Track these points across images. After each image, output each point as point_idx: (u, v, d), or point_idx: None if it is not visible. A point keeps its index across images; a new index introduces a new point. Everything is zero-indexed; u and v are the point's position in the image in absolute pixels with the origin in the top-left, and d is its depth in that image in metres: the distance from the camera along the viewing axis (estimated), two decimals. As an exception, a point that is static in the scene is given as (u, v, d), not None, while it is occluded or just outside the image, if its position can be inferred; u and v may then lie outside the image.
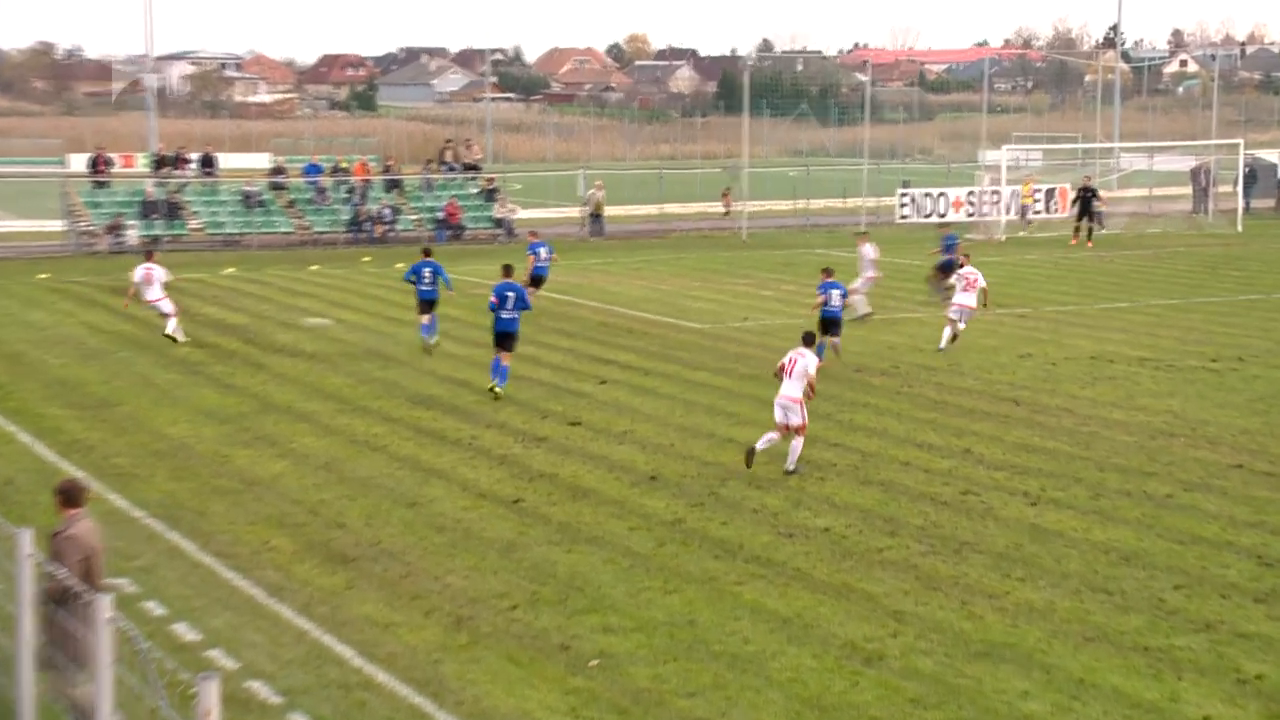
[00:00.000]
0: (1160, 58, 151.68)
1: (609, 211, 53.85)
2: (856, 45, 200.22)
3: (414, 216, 51.74)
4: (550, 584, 14.75)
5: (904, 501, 17.78)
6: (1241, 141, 58.15)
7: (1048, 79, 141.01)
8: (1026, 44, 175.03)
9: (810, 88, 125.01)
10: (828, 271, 26.88)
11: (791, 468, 19.06)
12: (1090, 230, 48.80)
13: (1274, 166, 62.12)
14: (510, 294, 24.35)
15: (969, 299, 28.18)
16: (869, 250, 32.12)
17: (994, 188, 54.74)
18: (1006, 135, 78.89)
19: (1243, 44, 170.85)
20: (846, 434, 21.43)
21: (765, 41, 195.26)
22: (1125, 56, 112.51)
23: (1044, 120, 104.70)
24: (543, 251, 34.17)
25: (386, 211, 50.98)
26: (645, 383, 25.45)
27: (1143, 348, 28.33)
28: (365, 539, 16.32)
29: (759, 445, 19.10)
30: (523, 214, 55.60)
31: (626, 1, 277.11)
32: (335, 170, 53.67)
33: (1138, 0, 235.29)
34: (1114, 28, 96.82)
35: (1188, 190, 60.28)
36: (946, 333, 28.10)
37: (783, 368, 19.35)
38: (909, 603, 14.23)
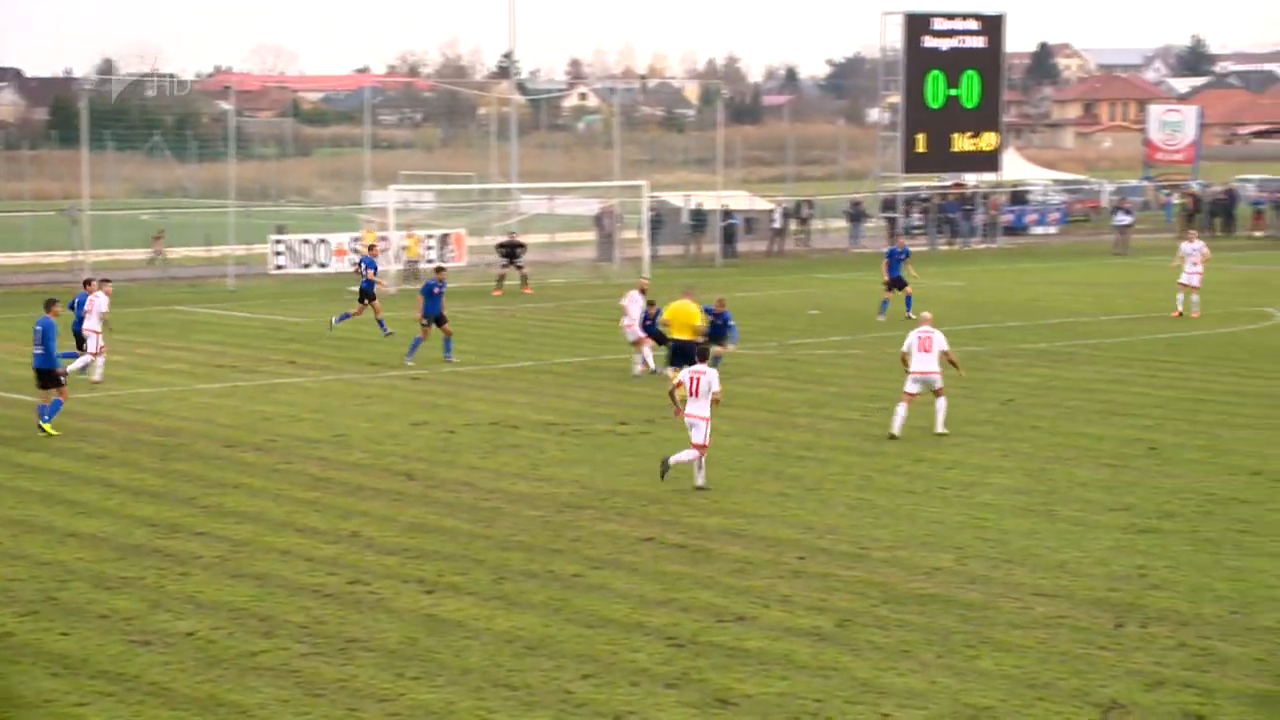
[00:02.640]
0: (559, 90, 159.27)
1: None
2: (218, 69, 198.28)
3: None
4: None
5: (282, 596, 17.71)
6: (646, 183, 61.83)
7: (438, 111, 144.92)
8: (413, 71, 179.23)
9: (164, 117, 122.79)
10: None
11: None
12: (524, 277, 51.24)
13: (680, 210, 66.44)
14: (38, 328, 26.75)
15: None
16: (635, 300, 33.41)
17: (382, 234, 55.60)
18: (394, 174, 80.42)
19: (644, 77, 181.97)
20: (214, 520, 21.14)
21: (106, 62, 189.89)
22: (521, 88, 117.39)
23: (435, 157, 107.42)
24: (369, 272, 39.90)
25: None
26: (-36, 470, 24.14)
27: (548, 411, 29.52)
28: None
29: (674, 460, 22.87)
30: None
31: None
32: None
33: (531, 26, 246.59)
34: (508, 55, 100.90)
35: (592, 236, 63.46)
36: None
37: (680, 384, 23.01)
38: (287, 713, 14.17)
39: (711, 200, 66.60)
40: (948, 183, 74.52)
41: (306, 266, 57.02)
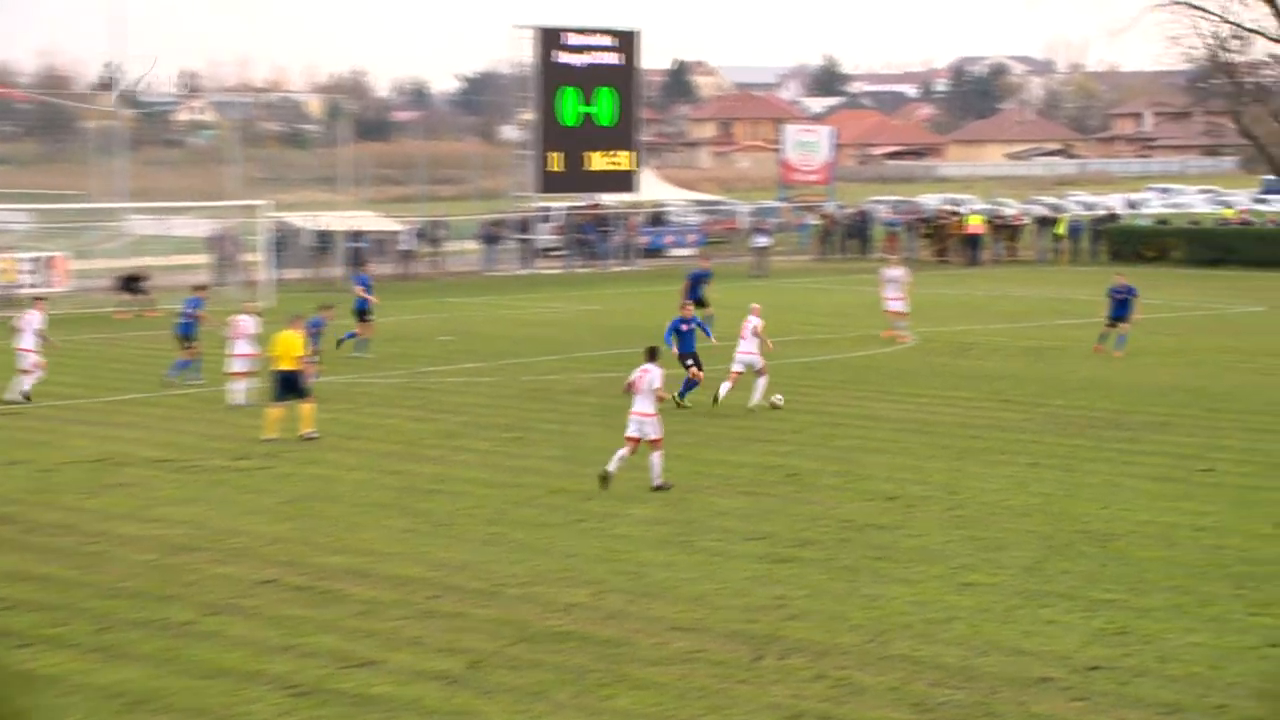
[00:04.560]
0: (171, 103, 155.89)
1: None
2: None
3: None
4: None
5: None
6: (266, 202, 60.92)
7: (35, 125, 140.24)
8: (5, 81, 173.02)
9: None
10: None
11: (660, 482, 24.62)
12: (151, 303, 51.08)
13: (303, 231, 65.63)
14: None
15: None
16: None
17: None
18: (-11, 192, 77.44)
19: (262, 90, 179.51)
20: None
21: None
22: (128, 100, 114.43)
23: (32, 174, 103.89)
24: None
25: None
26: None
27: (160, 446, 28.76)
28: None
29: (611, 467, 24.59)
30: None
31: None
32: None
33: (139, 34, 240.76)
34: (111, 65, 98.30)
35: (209, 259, 62.14)
36: None
37: (632, 384, 24.75)
38: None
39: (337, 221, 65.98)
40: (584, 203, 75.40)
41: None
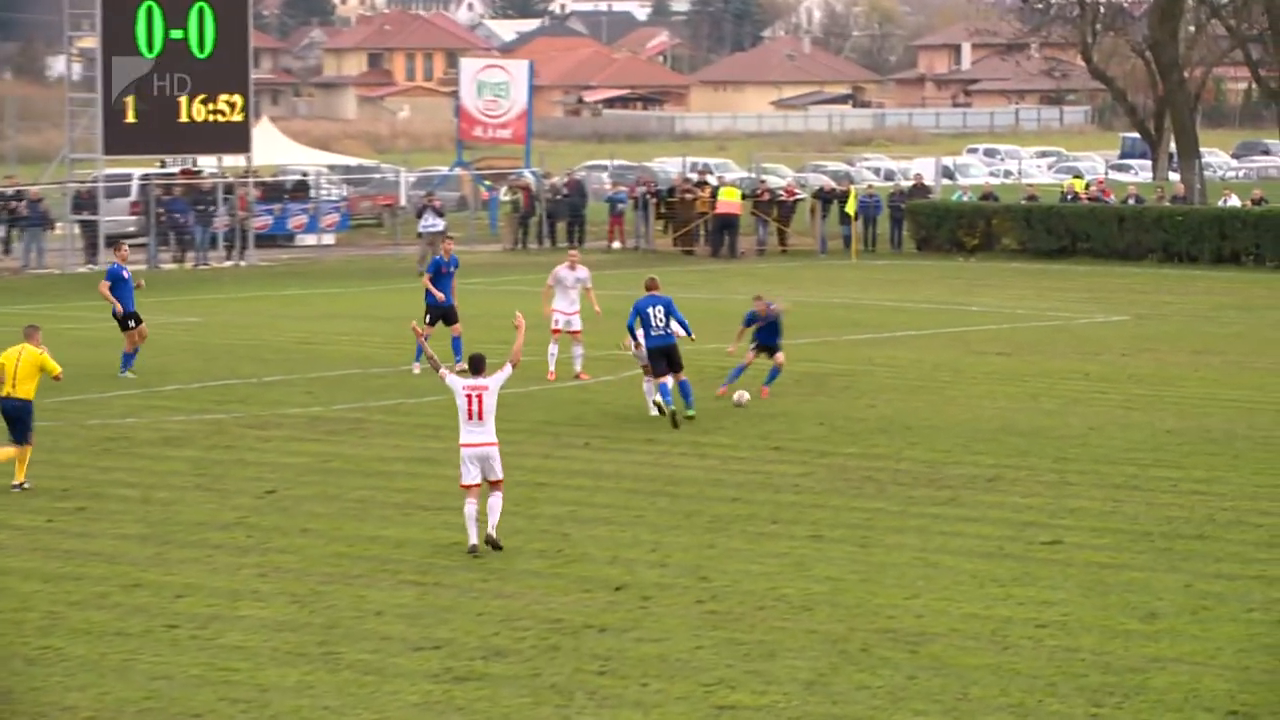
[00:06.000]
0: None
1: None
2: None
3: None
4: None
5: None
6: None
7: None
8: None
9: None
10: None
11: (495, 535, 25.89)
12: None
13: None
14: None
15: None
16: None
17: None
18: None
19: None
20: None
21: None
22: None
23: None
24: None
25: None
26: None
27: None
28: None
29: (473, 537, 25.78)
30: None
31: None
32: None
33: None
34: None
35: None
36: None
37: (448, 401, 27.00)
38: None
39: None
40: (174, 169, 74.58)
41: None
